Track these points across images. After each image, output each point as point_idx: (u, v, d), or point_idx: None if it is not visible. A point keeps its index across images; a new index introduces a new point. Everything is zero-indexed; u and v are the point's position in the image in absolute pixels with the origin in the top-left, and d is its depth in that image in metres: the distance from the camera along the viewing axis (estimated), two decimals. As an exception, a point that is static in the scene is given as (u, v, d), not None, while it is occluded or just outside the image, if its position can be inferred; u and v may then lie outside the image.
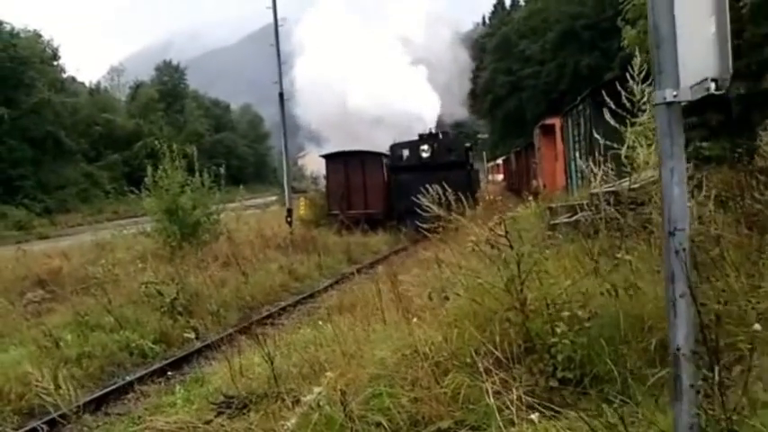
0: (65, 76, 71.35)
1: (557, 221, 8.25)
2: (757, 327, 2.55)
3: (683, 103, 2.66)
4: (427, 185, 14.53)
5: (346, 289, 12.65)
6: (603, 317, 4.62)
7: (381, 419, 4.29)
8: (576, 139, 19.40)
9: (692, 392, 2.49)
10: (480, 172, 50.57)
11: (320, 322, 7.65)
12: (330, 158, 30.92)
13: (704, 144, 10.36)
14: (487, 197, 13.79)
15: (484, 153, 72.48)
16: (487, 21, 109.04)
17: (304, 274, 17.36)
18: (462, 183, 20.32)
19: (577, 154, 18.51)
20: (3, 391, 7.31)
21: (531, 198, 11.28)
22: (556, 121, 24.67)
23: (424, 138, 31.16)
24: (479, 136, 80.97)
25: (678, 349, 2.54)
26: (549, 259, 5.45)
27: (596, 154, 8.34)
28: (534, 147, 30.47)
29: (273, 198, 49.84)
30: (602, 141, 6.91)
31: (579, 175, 16.60)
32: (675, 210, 2.55)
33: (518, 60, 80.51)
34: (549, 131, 25.93)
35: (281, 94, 25.23)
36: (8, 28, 63.30)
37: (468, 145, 33.41)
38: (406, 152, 30.54)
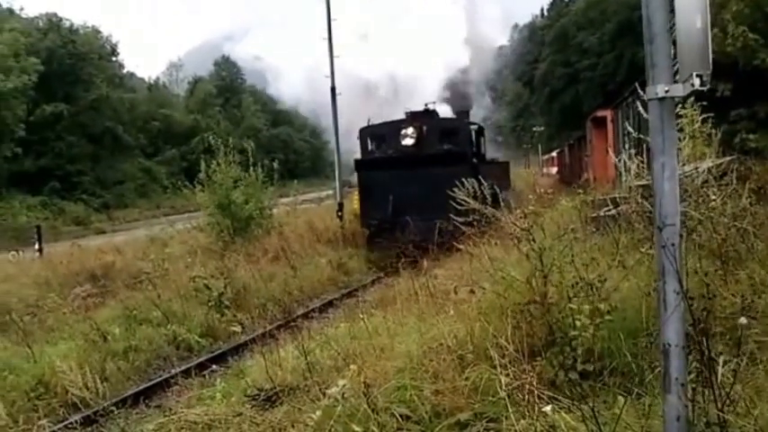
0: (123, 71, 72.82)
1: (596, 214, 8.22)
2: (743, 320, 2.56)
3: (675, 99, 2.68)
4: (410, 188, 14.21)
5: (390, 283, 12.73)
6: (626, 310, 4.63)
7: (404, 411, 4.38)
8: (626, 131, 19.15)
9: (679, 385, 2.52)
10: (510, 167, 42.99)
11: (360, 315, 7.74)
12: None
13: (750, 136, 10.25)
14: (538, 191, 12.83)
15: (539, 146, 71.69)
16: (545, 12, 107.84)
17: (353, 268, 17.47)
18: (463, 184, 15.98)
19: (627, 146, 18.28)
20: (50, 384, 7.63)
21: (579, 191, 11.22)
22: (607, 113, 24.34)
23: (409, 117, 20.37)
24: (535, 129, 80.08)
25: (668, 344, 2.57)
26: (578, 252, 5.45)
27: (643, 146, 8.29)
28: (586, 139, 29.96)
29: (329, 192, 50.04)
30: (635, 134, 6.85)
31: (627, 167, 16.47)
32: (666, 205, 2.57)
33: (576, 52, 79.68)
34: (600, 124, 25.57)
35: (332, 89, 25.34)
36: (67, 24, 64.91)
37: (476, 126, 21.85)
38: (379, 138, 20.56)
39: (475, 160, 19.21)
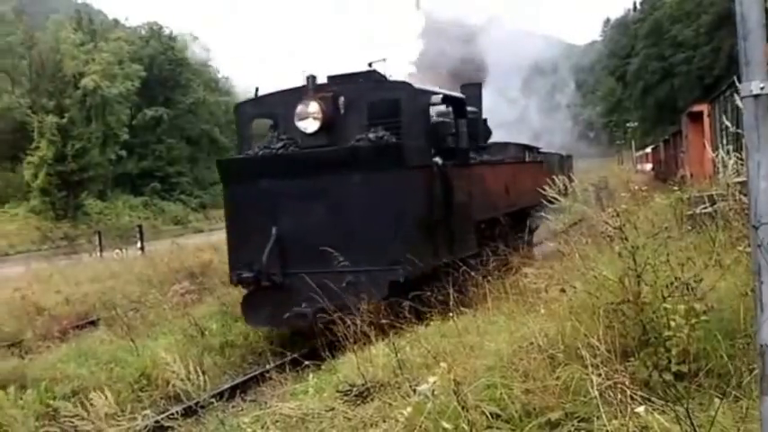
0: (220, 75, 74.90)
1: (692, 212, 8.01)
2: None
3: (772, 96, 2.60)
4: (310, 215, 9.07)
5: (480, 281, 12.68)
6: (723, 310, 4.52)
7: (494, 409, 4.39)
8: (724, 126, 18.46)
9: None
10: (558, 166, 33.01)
11: (449, 314, 7.78)
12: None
13: None
14: (632, 188, 9.89)
15: (633, 142, 70.00)
16: (638, 6, 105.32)
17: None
18: (406, 210, 9.52)
19: (724, 141, 17.60)
20: (151, 377, 7.99)
21: (675, 187, 10.95)
22: (704, 108, 23.57)
23: (310, 84, 10.57)
24: (629, 125, 78.24)
25: (766, 345, 2.51)
26: (673, 251, 5.35)
27: (742, 142, 8.04)
28: (682, 134, 29.06)
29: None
30: (733, 129, 6.65)
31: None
32: (761, 203, 2.52)
33: (670, 45, 77.58)
34: (696, 118, 24.76)
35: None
36: (167, 32, 67.36)
37: (458, 96, 12.36)
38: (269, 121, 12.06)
39: (439, 160, 10.53)
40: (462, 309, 7.27)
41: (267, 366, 8.98)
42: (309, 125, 10.22)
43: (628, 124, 79.09)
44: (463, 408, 4.31)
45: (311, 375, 7.05)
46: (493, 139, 32.14)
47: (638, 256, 4.64)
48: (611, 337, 4.50)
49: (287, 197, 9.72)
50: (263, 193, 10.07)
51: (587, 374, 4.17)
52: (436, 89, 10.94)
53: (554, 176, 7.72)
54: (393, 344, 6.42)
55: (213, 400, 4.44)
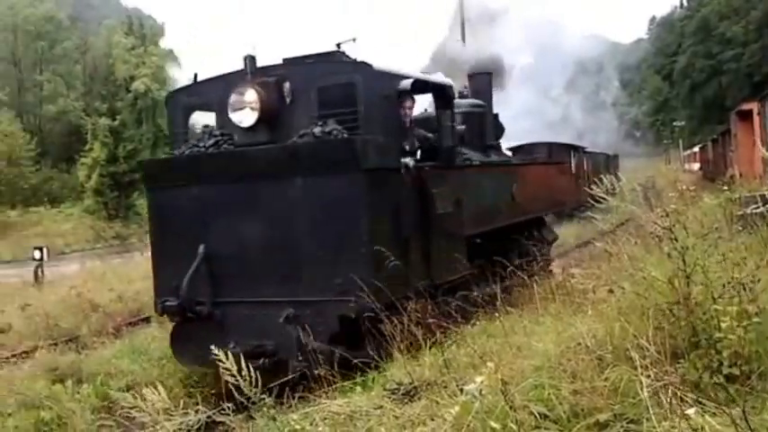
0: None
1: (742, 212, 7.91)
2: None
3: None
4: (246, 230, 7.58)
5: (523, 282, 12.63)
6: (777, 312, 4.47)
7: (542, 409, 4.40)
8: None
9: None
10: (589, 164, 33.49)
11: (496, 314, 7.78)
12: (516, 150, 30.62)
13: None
14: (680, 187, 10.37)
15: (680, 141, 68.99)
16: (685, 3, 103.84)
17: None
18: (360, 225, 7.56)
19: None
20: (204, 375, 8.14)
21: (724, 187, 10.80)
22: (754, 106, 23.13)
23: (248, 66, 8.41)
24: (676, 123, 77.13)
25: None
26: (724, 252, 5.29)
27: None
28: (731, 133, 28.54)
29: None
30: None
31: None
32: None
33: (718, 43, 76.22)
34: (746, 117, 24.31)
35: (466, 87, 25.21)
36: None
37: (439, 82, 9.77)
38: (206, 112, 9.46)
39: (410, 161, 8.31)
40: (509, 309, 7.26)
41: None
42: (245, 118, 8.07)
43: (675, 123, 77.95)
44: (511, 407, 4.32)
45: (359, 373, 7.10)
46: (535, 139, 31.83)
47: (687, 256, 4.60)
48: (661, 339, 4.47)
49: (217, 208, 7.86)
50: (190, 203, 8.12)
51: (636, 376, 4.15)
52: (407, 72, 8.59)
53: (600, 176, 7.49)
54: (439, 343, 6.47)
55: (264, 396, 4.49)
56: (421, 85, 8.97)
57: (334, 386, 5.75)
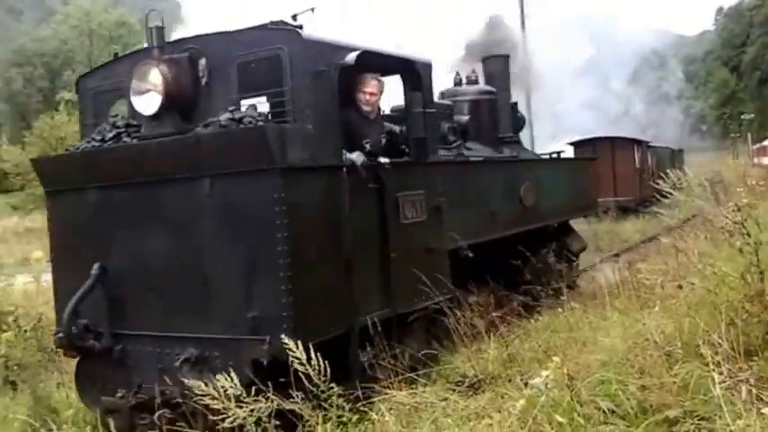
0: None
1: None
2: None
3: None
4: (150, 244, 6.12)
5: (588, 278, 12.51)
6: None
7: (609, 405, 4.37)
8: None
9: None
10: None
11: (559, 309, 7.74)
12: (578, 145, 30.30)
13: None
14: (749, 182, 9.46)
15: (749, 135, 67.23)
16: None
17: None
18: (281, 241, 5.54)
19: None
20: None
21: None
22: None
23: (155, 40, 6.36)
24: (744, 117, 75.17)
25: None
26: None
27: None
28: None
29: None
30: None
31: None
32: None
33: (789, 33, 74.07)
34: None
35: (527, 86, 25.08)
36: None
37: (405, 57, 7.52)
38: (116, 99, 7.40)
39: (359, 158, 6.46)
40: (573, 305, 7.19)
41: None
42: (147, 103, 6.32)
43: (743, 116, 75.93)
44: (577, 402, 4.31)
45: (422, 366, 7.14)
46: (597, 134, 31.28)
47: (761, 252, 4.52)
48: (734, 335, 4.39)
49: (116, 217, 6.41)
50: (87, 211, 6.63)
51: (708, 372, 4.10)
52: (353, 43, 6.74)
53: (665, 171, 7.24)
54: (504, 338, 6.47)
55: (333, 385, 4.56)
56: (375, 60, 7.01)
57: (398, 378, 5.77)
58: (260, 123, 5.78)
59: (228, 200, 5.77)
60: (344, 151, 6.32)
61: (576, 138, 30.88)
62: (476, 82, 11.11)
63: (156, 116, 6.31)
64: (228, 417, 4.24)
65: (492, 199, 9.17)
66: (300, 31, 6.15)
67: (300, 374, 4.65)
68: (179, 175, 5.98)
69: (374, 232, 6.68)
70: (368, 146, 6.65)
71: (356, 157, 6.39)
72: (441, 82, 10.65)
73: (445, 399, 5.12)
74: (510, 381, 5.33)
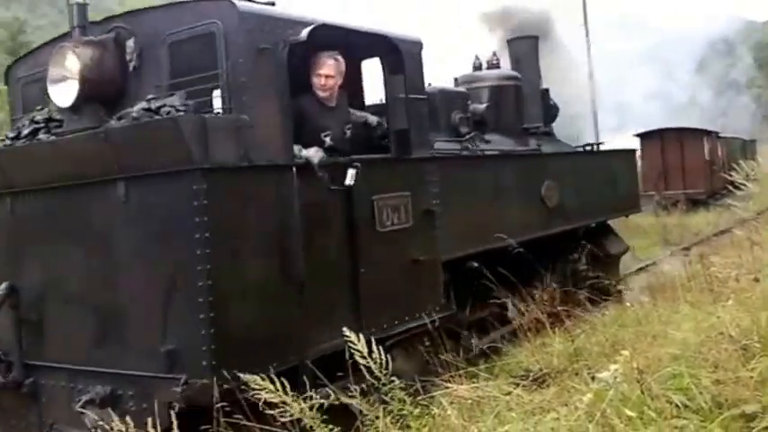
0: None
1: None
2: None
3: None
4: (69, 259, 5.27)
5: (657, 271, 12.22)
6: None
7: (681, 399, 4.22)
8: None
9: None
10: None
11: (627, 303, 7.58)
12: (645, 136, 29.71)
13: None
14: None
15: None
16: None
17: None
18: (205, 258, 4.61)
19: None
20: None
21: None
22: None
23: (96, 22, 5.63)
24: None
25: None
26: None
27: None
28: None
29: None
30: None
31: None
32: None
33: None
34: None
35: (590, 74, 24.76)
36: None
37: (378, 33, 6.37)
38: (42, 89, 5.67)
39: (317, 154, 5.44)
40: (642, 298, 7.02)
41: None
42: (64, 93, 5.31)
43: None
44: (647, 396, 4.17)
45: (481, 361, 7.06)
46: (663, 125, 30.60)
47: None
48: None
49: (30, 229, 5.53)
50: (1, 221, 5.76)
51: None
52: (312, 17, 5.64)
53: (736, 162, 6.88)
54: (569, 332, 6.34)
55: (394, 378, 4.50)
56: (339, 37, 5.94)
57: (459, 371, 5.70)
58: (180, 114, 4.71)
59: (144, 208, 4.86)
60: (301, 147, 5.38)
61: (642, 130, 30.28)
62: (497, 66, 10.14)
63: (74, 108, 5.32)
64: (286, 411, 4.19)
65: (504, 199, 8.06)
66: (239, 2, 5.15)
67: (361, 367, 4.28)
68: (91, 179, 5.07)
69: (339, 244, 5.67)
70: (327, 139, 5.71)
71: (312, 153, 5.38)
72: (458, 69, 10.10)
73: (508, 393, 5.03)
74: (576, 375, 5.20)
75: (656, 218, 23.12)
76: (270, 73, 5.20)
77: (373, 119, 6.73)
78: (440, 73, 9.24)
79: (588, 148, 11.32)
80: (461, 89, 9.32)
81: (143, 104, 4.90)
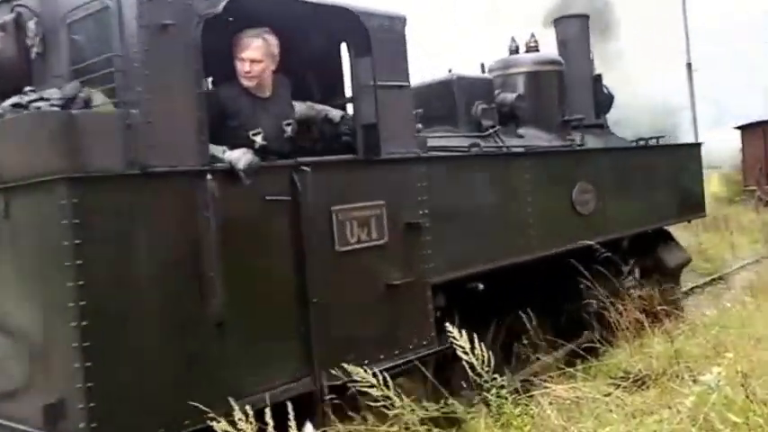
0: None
1: None
2: None
3: None
4: None
5: (760, 270, 11.85)
6: None
7: (789, 405, 4.15)
8: None
9: None
10: None
11: (728, 304, 7.42)
12: (746, 128, 28.62)
13: None
14: None
15: None
16: None
17: (714, 254, 16.43)
18: (76, 291, 3.54)
19: None
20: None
21: None
22: None
23: None
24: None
25: None
26: None
27: None
28: None
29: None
30: None
31: None
32: None
33: None
34: None
35: (689, 65, 24.10)
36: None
37: (340, 4, 5.02)
38: None
39: (245, 157, 4.29)
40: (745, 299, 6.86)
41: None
42: None
43: None
44: (752, 401, 4.12)
45: (578, 361, 7.04)
46: (763, 117, 29.30)
47: None
48: None
49: None
50: None
51: None
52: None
53: None
54: (669, 334, 6.25)
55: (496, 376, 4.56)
56: (274, 12, 4.75)
57: (557, 372, 5.72)
58: (52, 110, 3.87)
59: (21, 226, 3.97)
60: (226, 149, 4.41)
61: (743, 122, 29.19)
62: (536, 49, 8.77)
63: None
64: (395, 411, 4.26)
65: (519, 207, 6.70)
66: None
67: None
68: None
69: (281, 269, 4.56)
70: (258, 138, 4.61)
71: (238, 156, 4.33)
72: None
73: (608, 394, 5.02)
74: (677, 377, 5.15)
75: (757, 214, 22.37)
76: (175, 56, 4.12)
77: (336, 113, 5.54)
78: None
79: (642, 142, 9.50)
80: (486, 76, 7.99)
81: (14, 99, 4.11)
